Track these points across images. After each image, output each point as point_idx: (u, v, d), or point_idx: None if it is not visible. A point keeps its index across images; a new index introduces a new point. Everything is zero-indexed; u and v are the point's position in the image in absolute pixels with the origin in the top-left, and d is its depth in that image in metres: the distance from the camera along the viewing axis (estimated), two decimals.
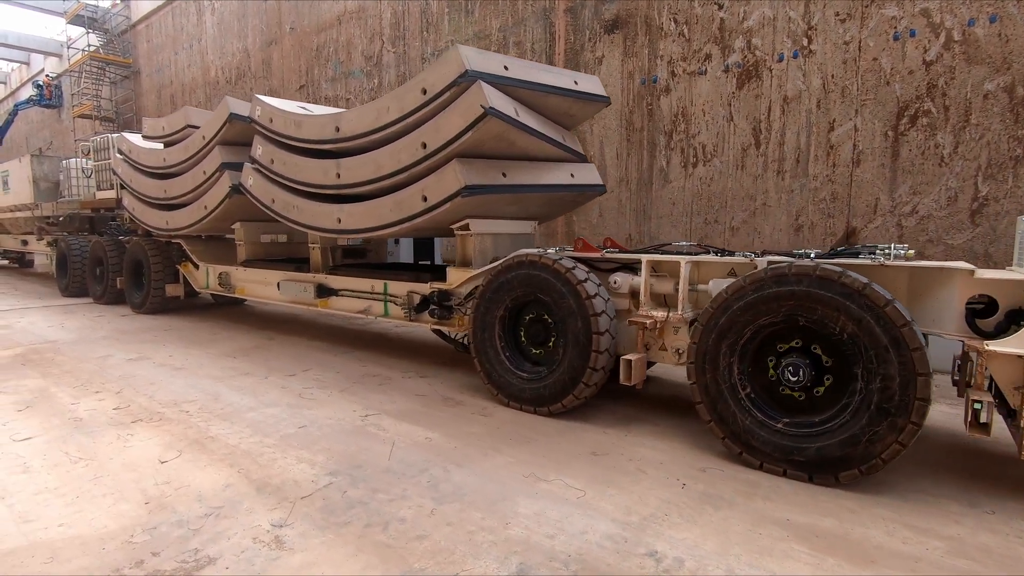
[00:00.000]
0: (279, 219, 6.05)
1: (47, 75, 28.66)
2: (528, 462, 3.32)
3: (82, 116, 23.13)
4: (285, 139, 5.79)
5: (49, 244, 12.64)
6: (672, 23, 8.54)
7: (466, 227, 4.87)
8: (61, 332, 7.30)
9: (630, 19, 9.01)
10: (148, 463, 3.29)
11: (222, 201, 6.73)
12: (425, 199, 4.63)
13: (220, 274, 7.74)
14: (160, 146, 8.14)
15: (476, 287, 4.90)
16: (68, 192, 11.39)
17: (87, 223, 12.06)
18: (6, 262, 18.20)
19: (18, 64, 33.93)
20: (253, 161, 6.27)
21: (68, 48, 23.43)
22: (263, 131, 6.05)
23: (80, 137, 23.89)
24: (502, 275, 4.35)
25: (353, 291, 6.01)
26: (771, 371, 3.32)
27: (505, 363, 4.39)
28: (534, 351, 4.39)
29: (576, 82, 5.11)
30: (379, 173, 4.91)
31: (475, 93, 4.17)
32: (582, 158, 5.51)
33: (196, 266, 8.30)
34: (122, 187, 9.09)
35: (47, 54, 29.14)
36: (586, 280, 3.96)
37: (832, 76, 7.20)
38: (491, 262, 5.07)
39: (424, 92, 4.52)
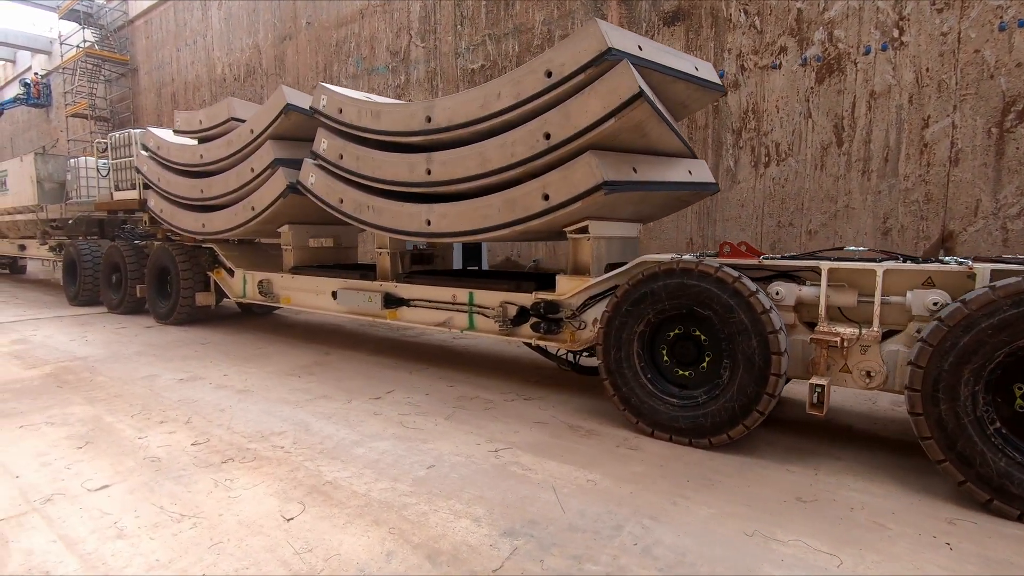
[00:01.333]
0: (349, 222, 5.41)
1: (35, 73, 27.54)
2: (736, 515, 2.74)
3: (76, 115, 22.13)
4: (359, 131, 5.17)
5: (52, 249, 11.80)
6: (742, 14, 8.05)
7: (584, 229, 4.28)
8: (87, 347, 6.56)
9: (693, 11, 8.51)
10: (270, 521, 2.66)
11: (274, 201, 6.07)
12: (547, 197, 4.04)
13: (261, 281, 7.06)
14: (193, 142, 7.45)
15: (592, 298, 4.34)
16: (77, 193, 10.58)
17: (96, 227, 11.26)
18: None
19: (2, 62, 32.67)
20: (316, 157, 5.63)
21: (61, 44, 22.42)
22: (330, 123, 5.42)
23: (74, 137, 22.90)
24: (644, 285, 3.77)
25: (430, 301, 5.39)
26: (1020, 401, 2.79)
27: (647, 386, 3.81)
28: (679, 372, 3.82)
29: (696, 68, 4.56)
30: (484, 168, 4.32)
31: (621, 74, 3.60)
32: (694, 154, 4.96)
33: (231, 273, 7.61)
34: (146, 187, 8.36)
35: (35, 51, 28.04)
36: (759, 291, 3.40)
37: (927, 69, 6.75)
38: (606, 270, 4.52)
39: (549, 75, 3.93)
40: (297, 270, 6.62)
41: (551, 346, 4.72)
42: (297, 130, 6.19)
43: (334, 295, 6.21)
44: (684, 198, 4.89)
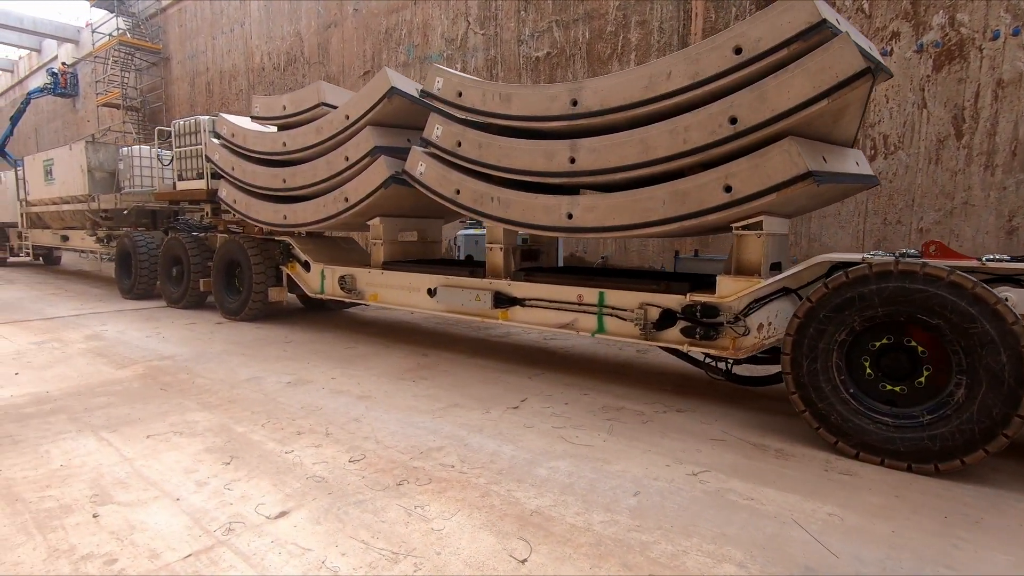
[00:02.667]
0: (466, 214, 5.03)
1: (63, 63, 27.31)
2: None
3: (108, 105, 21.86)
4: (483, 117, 4.77)
5: (100, 240, 11.51)
6: None
7: (756, 225, 3.87)
8: (168, 344, 6.22)
9: None
10: (502, 563, 2.27)
11: (373, 192, 5.68)
12: (729, 189, 3.62)
13: (343, 277, 6.68)
14: (272, 129, 7.08)
15: (756, 301, 3.93)
16: (130, 183, 10.25)
17: (147, 218, 10.94)
18: (27, 258, 16.85)
19: (28, 51, 32.48)
20: (427, 144, 5.23)
21: (93, 32, 22.12)
22: (448, 108, 5.02)
23: (105, 127, 22.63)
24: (849, 289, 3.34)
25: (550, 301, 5.00)
26: None
27: (850, 402, 3.39)
28: (886, 387, 3.40)
29: (870, 48, 4.12)
30: (646, 157, 3.90)
31: (840, 49, 3.17)
32: (854, 143, 4.53)
33: (306, 267, 7.24)
34: (215, 176, 8.01)
35: (62, 40, 27.76)
36: (1006, 299, 2.98)
37: None
38: (770, 269, 4.10)
39: (739, 51, 3.51)
40: (388, 265, 6.24)
41: (692, 351, 4.31)
42: (397, 116, 5.80)
43: (430, 292, 5.84)
44: (848, 191, 4.45)
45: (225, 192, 7.53)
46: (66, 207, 11.81)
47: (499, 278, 5.30)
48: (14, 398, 4.33)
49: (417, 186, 5.32)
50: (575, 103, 4.23)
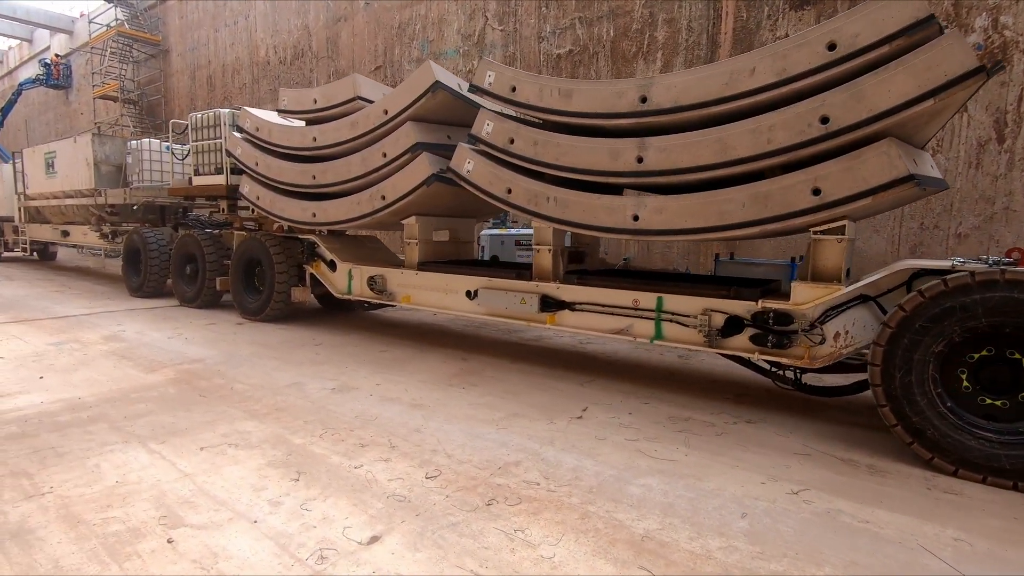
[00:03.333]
0: (518, 214, 4.83)
1: (55, 54, 26.70)
2: None
3: (104, 97, 21.35)
4: (540, 113, 4.57)
5: (104, 237, 11.16)
6: None
7: (839, 230, 3.71)
8: (193, 346, 5.96)
9: None
10: None
11: (414, 190, 5.46)
12: (817, 192, 3.46)
13: (372, 277, 6.45)
14: (300, 123, 6.83)
15: (833, 308, 3.77)
16: (139, 177, 9.93)
17: (153, 214, 10.63)
18: (21, 253, 16.35)
19: (18, 41, 31.76)
20: (476, 141, 5.02)
21: (90, 23, 21.59)
22: (500, 103, 4.82)
23: (101, 120, 22.12)
24: (948, 298, 3.19)
25: (603, 306, 4.82)
26: None
27: (948, 417, 3.24)
28: (986, 401, 3.26)
29: None
30: (724, 157, 3.73)
31: (949, 46, 3.02)
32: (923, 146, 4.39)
33: (331, 267, 7.00)
34: (235, 171, 7.73)
35: (55, 30, 27.15)
36: None
37: None
38: (845, 276, 3.95)
39: (832, 47, 3.35)
40: (424, 266, 6.02)
41: (756, 358, 4.15)
42: (438, 112, 5.59)
43: (469, 294, 5.64)
44: (919, 196, 4.31)
45: (247, 188, 7.27)
46: (69, 201, 11.45)
47: (547, 281, 5.11)
48: (45, 404, 4.08)
49: (464, 184, 5.12)
50: (644, 99, 4.05)
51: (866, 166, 3.28)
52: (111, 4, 20.82)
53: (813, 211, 3.49)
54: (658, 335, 4.57)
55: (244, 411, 4.01)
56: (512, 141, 4.76)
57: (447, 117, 5.74)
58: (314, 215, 6.48)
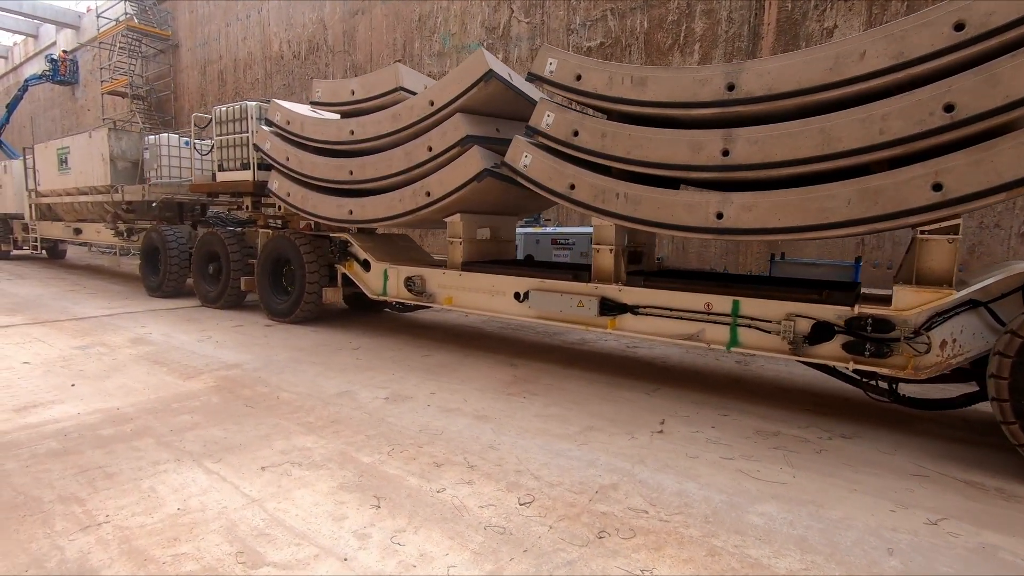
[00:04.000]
0: (583, 211, 4.52)
1: (63, 50, 26.39)
2: None
3: (113, 93, 21.05)
4: (610, 103, 4.26)
5: (118, 234, 10.85)
6: None
7: (953, 229, 3.40)
8: (226, 350, 5.65)
9: None
10: None
11: (464, 186, 5.16)
12: (938, 188, 3.15)
13: (410, 278, 6.14)
14: (334, 116, 6.53)
15: (939, 315, 3.47)
16: (158, 173, 9.62)
17: (170, 211, 10.31)
18: (30, 251, 16.01)
19: (24, 36, 31.46)
20: (534, 133, 4.71)
21: (98, 17, 21.27)
22: (563, 93, 4.51)
23: (109, 116, 21.82)
24: None
25: (670, 309, 4.51)
26: None
27: None
28: None
29: None
30: (828, 149, 3.41)
31: None
32: None
33: (366, 266, 6.69)
34: (262, 166, 7.43)
35: (62, 25, 26.83)
36: None
37: None
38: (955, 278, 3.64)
39: (960, 27, 3.03)
40: (469, 266, 5.72)
41: (838, 365, 3.85)
42: (488, 103, 5.28)
43: (518, 296, 5.34)
44: None
45: (277, 184, 6.96)
46: (83, 198, 11.14)
47: (608, 282, 4.81)
48: (83, 416, 3.78)
49: (520, 180, 4.81)
50: (731, 87, 3.74)
51: (1000, 158, 2.97)
52: None
53: (932, 208, 3.18)
54: (734, 342, 4.26)
55: (298, 424, 3.71)
56: (576, 133, 4.45)
57: (496, 109, 5.44)
58: (350, 212, 6.17)
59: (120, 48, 20.38)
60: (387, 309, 8.35)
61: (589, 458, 3.26)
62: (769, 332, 4.08)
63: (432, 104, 5.35)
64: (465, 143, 5.12)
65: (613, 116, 4.37)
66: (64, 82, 26.22)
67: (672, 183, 4.07)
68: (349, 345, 6.05)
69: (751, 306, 4.15)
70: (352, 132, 6.04)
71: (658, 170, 4.08)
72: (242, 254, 7.94)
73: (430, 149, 5.38)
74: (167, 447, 3.29)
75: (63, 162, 11.59)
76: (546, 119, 4.60)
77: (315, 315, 7.20)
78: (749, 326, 4.17)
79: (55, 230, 13.25)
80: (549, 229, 8.26)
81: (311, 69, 15.43)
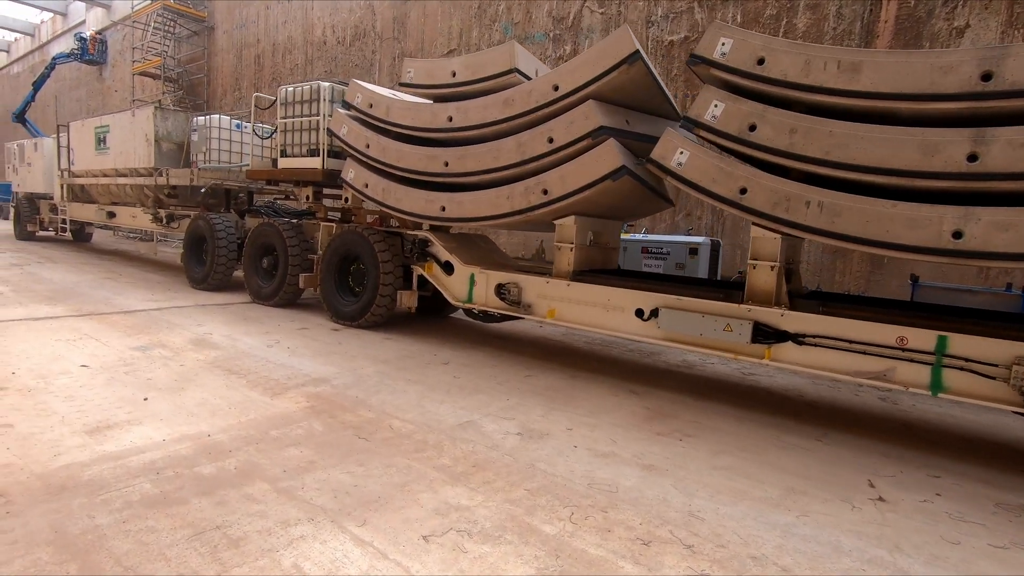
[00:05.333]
0: (756, 220, 3.81)
1: (93, 29, 25.91)
2: None
3: (144, 74, 20.51)
4: (806, 92, 3.55)
5: (156, 220, 10.22)
6: None
7: None
8: (303, 360, 4.97)
9: None
10: None
11: (594, 184, 4.46)
12: None
13: (505, 285, 5.45)
14: (423, 100, 5.84)
15: None
16: (207, 157, 8.98)
17: (214, 198, 9.66)
18: (54, 233, 15.36)
19: (52, 14, 31.07)
20: (694, 126, 4.01)
21: None
22: (737, 79, 3.80)
23: (139, 98, 21.28)
24: None
25: (849, 341, 3.80)
26: None
27: None
28: None
29: None
30: None
31: None
32: None
33: (448, 269, 6.00)
34: (332, 154, 6.76)
35: (92, 3, 26.37)
36: None
37: None
38: None
39: None
40: (580, 276, 5.03)
41: None
42: (623, 91, 4.59)
43: (641, 314, 4.64)
44: None
45: (353, 174, 6.28)
46: (122, 180, 10.52)
47: (766, 304, 4.10)
48: (170, 444, 3.10)
49: (672, 180, 4.11)
50: (987, 77, 3.02)
51: None
52: None
53: None
54: (937, 386, 3.55)
55: (434, 467, 3.02)
56: (753, 128, 3.75)
57: (628, 98, 4.74)
58: (442, 209, 5.48)
59: (155, 28, 19.83)
60: (466, 316, 7.68)
61: (827, 539, 2.56)
62: (991, 378, 3.37)
63: (556, 89, 4.65)
64: (598, 135, 4.43)
65: (801, 109, 3.67)
66: (92, 61, 25.79)
67: (884, 192, 3.36)
68: (435, 358, 5.36)
69: (964, 344, 3.44)
70: (450, 118, 5.36)
71: (869, 175, 3.36)
72: (301, 248, 7.29)
73: (551, 140, 4.69)
74: (290, 498, 2.61)
75: (101, 141, 10.98)
76: (712, 110, 3.89)
77: (385, 320, 6.52)
78: (961, 368, 3.46)
79: (87, 212, 12.63)
80: (638, 236, 7.56)
81: (356, 56, 14.79)
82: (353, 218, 7.41)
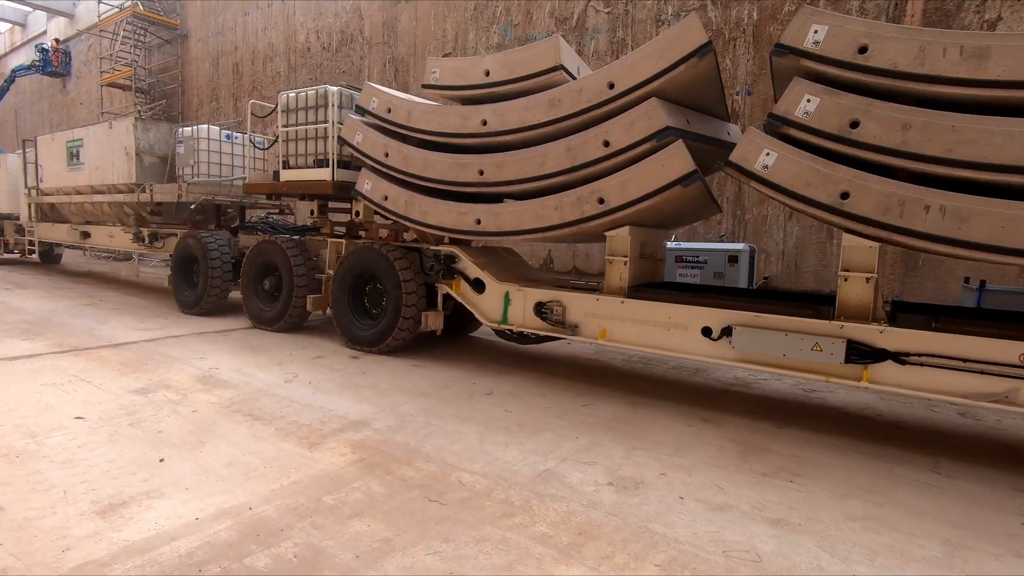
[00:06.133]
0: (859, 228, 3.39)
1: (55, 39, 24.71)
2: None
3: (112, 85, 19.50)
4: (918, 84, 3.15)
5: (138, 239, 9.45)
6: None
7: None
8: (331, 397, 4.38)
9: None
10: None
11: (660, 191, 4.00)
12: None
13: (544, 303, 4.96)
14: (446, 103, 5.33)
15: None
16: (194, 170, 8.28)
17: (202, 214, 8.98)
18: (19, 256, 14.29)
19: (10, 25, 29.64)
20: (781, 123, 3.58)
21: (99, 2, 19.71)
22: (833, 71, 3.39)
23: (108, 110, 20.24)
24: None
25: (963, 360, 3.41)
26: None
27: None
28: None
29: None
30: None
31: None
32: None
33: (478, 287, 5.48)
34: (343, 164, 6.19)
35: (53, 13, 25.15)
36: None
37: None
38: None
39: None
40: (636, 292, 4.56)
41: None
42: (687, 89, 4.15)
43: (708, 332, 4.20)
44: None
45: (369, 185, 5.71)
46: (99, 198, 9.72)
47: (861, 320, 3.69)
48: (204, 523, 2.52)
49: (756, 184, 3.67)
50: None
51: None
52: None
53: None
54: None
55: (534, 540, 2.49)
56: (855, 125, 3.33)
57: (690, 96, 4.30)
58: (478, 222, 4.96)
59: (124, 37, 18.88)
60: (496, 335, 7.14)
61: None
62: None
63: (612, 87, 4.19)
64: (663, 136, 3.97)
65: (908, 102, 3.26)
66: (55, 73, 24.58)
67: (1018, 194, 2.97)
68: (476, 388, 4.83)
69: None
70: (484, 122, 4.85)
71: (1002, 175, 2.97)
72: (308, 268, 6.68)
73: (606, 144, 4.22)
74: None
75: (74, 156, 10.16)
76: (804, 104, 3.47)
77: (406, 344, 5.96)
78: None
79: (57, 233, 11.75)
80: (670, 244, 7.14)
81: (343, 62, 14.17)
82: (363, 233, 6.85)
